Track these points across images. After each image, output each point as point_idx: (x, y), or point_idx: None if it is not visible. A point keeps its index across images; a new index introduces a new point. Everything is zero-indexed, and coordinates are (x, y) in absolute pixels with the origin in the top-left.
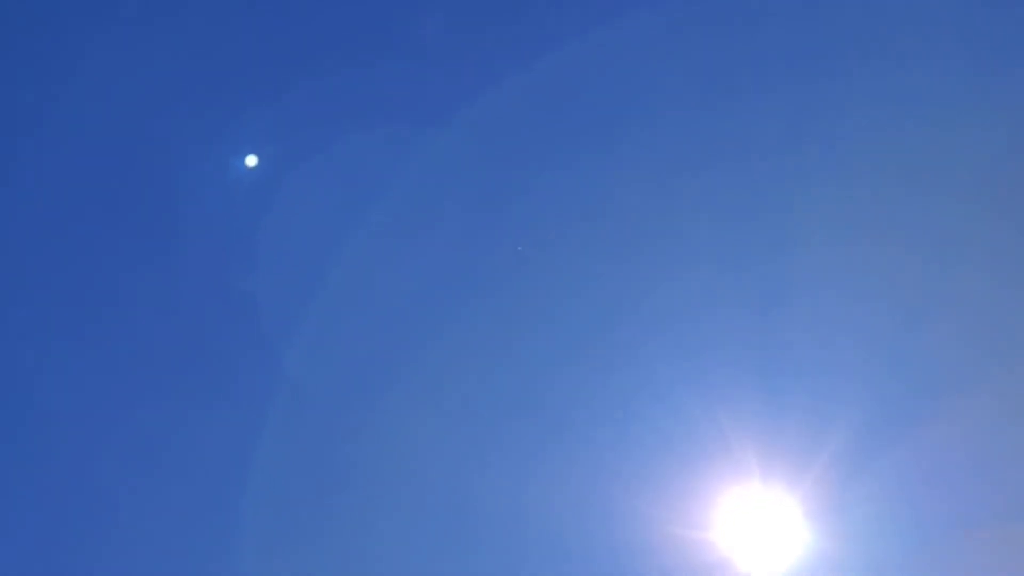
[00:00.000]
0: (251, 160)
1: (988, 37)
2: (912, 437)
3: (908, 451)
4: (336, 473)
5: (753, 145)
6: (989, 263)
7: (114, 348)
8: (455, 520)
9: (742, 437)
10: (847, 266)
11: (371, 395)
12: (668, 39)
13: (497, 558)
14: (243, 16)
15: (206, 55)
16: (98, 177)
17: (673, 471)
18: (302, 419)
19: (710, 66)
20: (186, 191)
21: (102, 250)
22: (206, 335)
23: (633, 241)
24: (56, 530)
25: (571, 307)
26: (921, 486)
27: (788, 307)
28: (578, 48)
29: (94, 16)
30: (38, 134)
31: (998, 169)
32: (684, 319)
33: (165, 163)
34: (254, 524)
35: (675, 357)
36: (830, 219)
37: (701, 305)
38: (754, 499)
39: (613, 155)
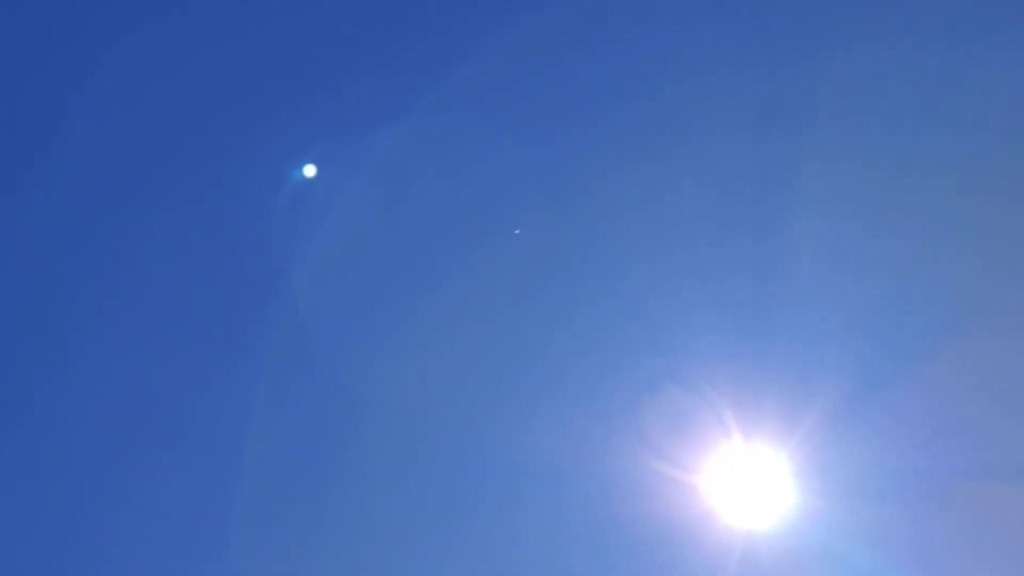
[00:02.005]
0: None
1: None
2: (899, 397)
3: (895, 410)
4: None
5: (746, 125)
6: (971, 238)
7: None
8: (450, 461)
9: (735, 395)
10: (838, 235)
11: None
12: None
13: (493, 497)
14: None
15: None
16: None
17: (667, 424)
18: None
19: (710, 44)
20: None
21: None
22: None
23: (631, 214)
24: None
25: (571, 267)
26: (905, 446)
27: (781, 272)
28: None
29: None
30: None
31: (982, 150)
32: (680, 279)
33: None
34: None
35: (672, 313)
36: (820, 194)
37: (696, 266)
38: (744, 454)
39: (611, 122)
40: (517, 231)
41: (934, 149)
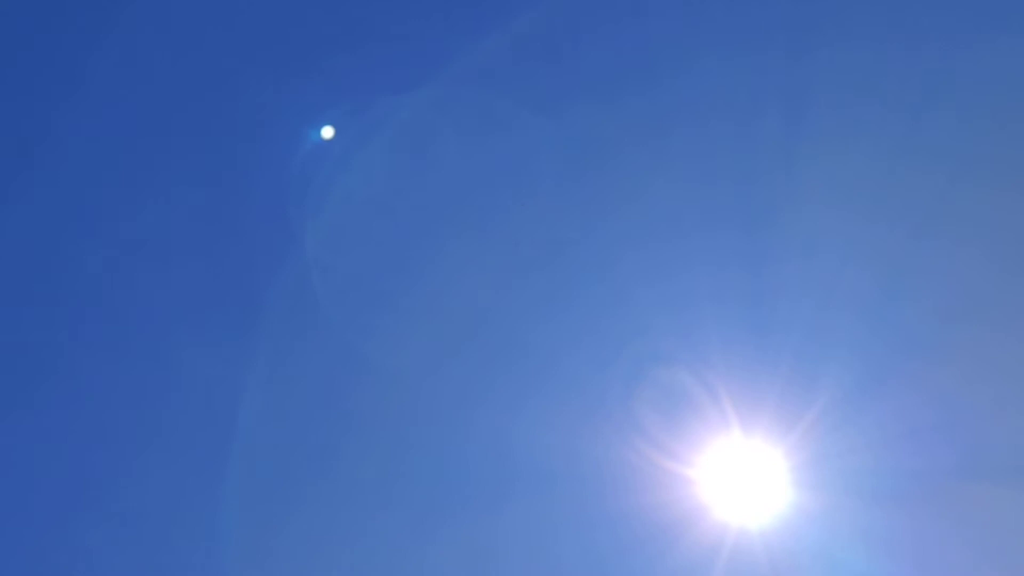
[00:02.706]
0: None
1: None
2: (895, 395)
3: (890, 408)
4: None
5: (752, 117)
6: (972, 233)
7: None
8: (445, 454)
9: (731, 389)
10: (837, 231)
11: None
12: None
13: (487, 489)
14: None
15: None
16: None
17: (662, 417)
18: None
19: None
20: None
21: None
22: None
23: (631, 203)
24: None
25: (564, 253)
26: (901, 442)
27: (779, 265)
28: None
29: None
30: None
31: (984, 144)
32: (678, 272)
33: None
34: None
35: (670, 304)
36: (818, 188)
37: (695, 257)
38: (738, 449)
39: (621, 109)
40: (516, 238)
41: (935, 144)
